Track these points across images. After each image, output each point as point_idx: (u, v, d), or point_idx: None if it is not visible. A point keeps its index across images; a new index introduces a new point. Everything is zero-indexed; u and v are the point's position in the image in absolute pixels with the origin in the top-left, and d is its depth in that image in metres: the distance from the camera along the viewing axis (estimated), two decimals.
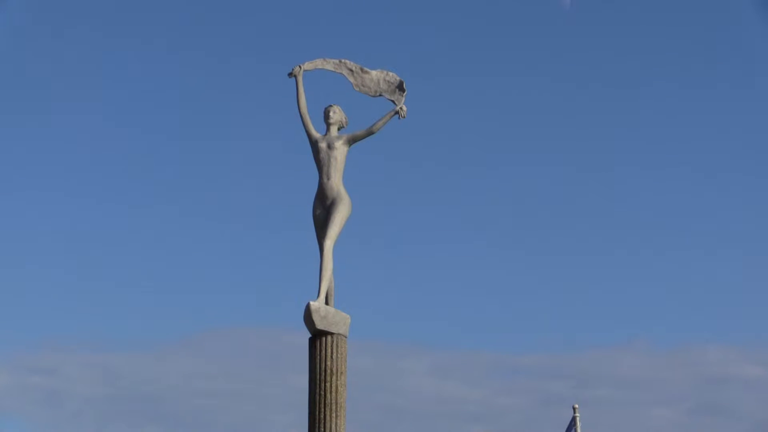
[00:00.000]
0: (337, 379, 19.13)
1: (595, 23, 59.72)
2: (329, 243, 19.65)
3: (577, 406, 21.22)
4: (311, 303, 19.13)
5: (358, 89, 20.65)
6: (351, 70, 20.68)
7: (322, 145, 20.10)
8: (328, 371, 19.18)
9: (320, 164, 20.06)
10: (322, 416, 19.05)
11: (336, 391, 19.11)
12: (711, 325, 56.38)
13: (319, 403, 19.13)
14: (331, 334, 19.27)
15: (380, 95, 20.58)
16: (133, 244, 59.05)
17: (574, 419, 21.35)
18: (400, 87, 20.41)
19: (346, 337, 19.51)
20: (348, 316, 19.63)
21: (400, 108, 20.24)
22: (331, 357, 19.25)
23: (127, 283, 58.01)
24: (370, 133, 20.21)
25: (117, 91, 60.28)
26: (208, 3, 59.19)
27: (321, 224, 19.81)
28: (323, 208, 19.91)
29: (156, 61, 60.93)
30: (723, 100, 59.13)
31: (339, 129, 20.42)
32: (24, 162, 59.26)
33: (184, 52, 60.71)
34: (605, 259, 57.62)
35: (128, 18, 59.97)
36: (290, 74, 20.52)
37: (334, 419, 19.06)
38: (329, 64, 20.72)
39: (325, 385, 19.15)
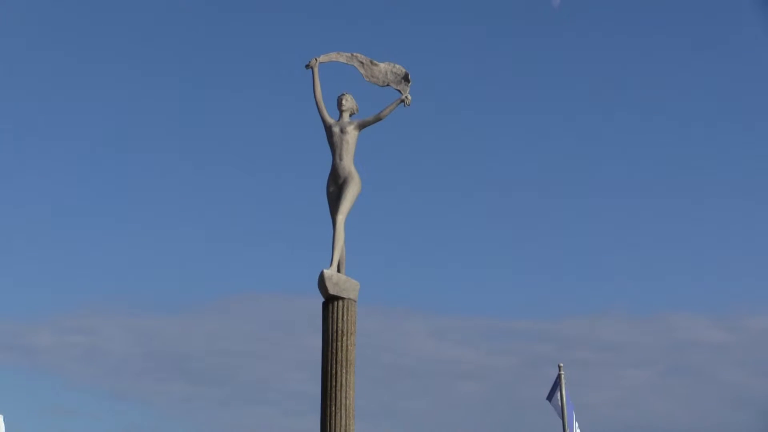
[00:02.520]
0: (347, 339, 19.84)
1: (584, 22, 61.55)
2: (341, 217, 20.31)
3: (562, 365, 21.53)
4: (325, 271, 19.92)
5: (368, 80, 21.30)
6: (362, 63, 21.33)
7: (335, 129, 20.77)
8: (339, 332, 19.87)
9: (333, 147, 20.70)
10: (333, 372, 19.77)
11: (346, 350, 19.81)
12: (682, 294, 58.42)
13: (331, 361, 19.84)
14: (342, 298, 19.98)
15: (388, 85, 21.24)
16: (163, 219, 61.51)
17: (559, 377, 21.57)
18: (406, 78, 21.11)
19: (355, 301, 20.17)
20: (357, 282, 20.27)
21: (405, 97, 20.96)
22: (342, 319, 19.93)
23: (159, 252, 60.44)
24: (378, 119, 20.86)
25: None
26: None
27: (334, 200, 20.47)
28: (336, 186, 20.56)
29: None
30: (711, 100, 61.04)
31: (350, 115, 21.07)
32: (62, 135, 61.41)
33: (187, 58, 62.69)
34: (586, 234, 60.12)
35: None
36: (307, 66, 21.15)
37: (344, 375, 19.76)
38: (342, 57, 21.36)
39: (336, 345, 19.85)
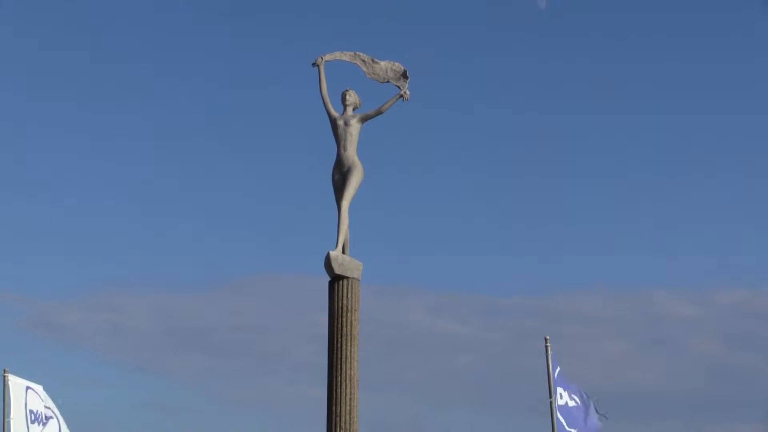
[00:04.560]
0: (351, 315, 20.38)
1: (570, 23, 63.22)
2: (345, 203, 20.87)
3: (548, 337, 22.02)
4: (331, 252, 20.46)
5: (369, 76, 21.78)
6: (364, 61, 21.80)
7: (340, 122, 21.28)
8: (344, 308, 20.41)
9: (338, 138, 21.18)
10: (339, 345, 20.34)
11: (351, 325, 20.35)
12: (658, 273, 60.48)
13: (337, 335, 20.38)
14: (347, 278, 20.52)
15: (388, 81, 21.71)
16: (185, 205, 63.45)
17: (546, 349, 22.06)
18: (404, 75, 21.61)
19: (359, 280, 20.70)
20: (361, 263, 20.80)
21: (404, 92, 21.48)
22: (347, 296, 20.47)
23: (180, 236, 62.34)
24: (379, 112, 21.38)
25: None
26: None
27: (339, 187, 20.99)
28: (341, 174, 21.05)
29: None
30: (693, 100, 62.88)
31: (354, 109, 21.58)
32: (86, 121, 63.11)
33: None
34: (570, 219, 62.03)
35: None
36: (314, 64, 21.60)
37: (349, 348, 20.32)
38: (346, 56, 21.83)
39: (342, 320, 20.39)
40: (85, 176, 63.85)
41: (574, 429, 22.26)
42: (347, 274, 20.67)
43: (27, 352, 55.32)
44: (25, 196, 62.64)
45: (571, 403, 22.30)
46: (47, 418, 23.02)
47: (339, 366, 20.30)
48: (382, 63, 21.82)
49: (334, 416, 20.18)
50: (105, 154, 63.75)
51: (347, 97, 21.68)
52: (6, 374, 22.31)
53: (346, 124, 21.37)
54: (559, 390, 22.19)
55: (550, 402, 21.94)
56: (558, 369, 22.31)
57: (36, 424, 22.61)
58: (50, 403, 23.30)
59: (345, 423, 20.12)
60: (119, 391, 56.28)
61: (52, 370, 52.95)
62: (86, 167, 63.92)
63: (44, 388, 23.16)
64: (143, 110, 64.35)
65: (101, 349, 60.66)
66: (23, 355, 53.28)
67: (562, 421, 22.35)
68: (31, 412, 22.59)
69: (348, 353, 20.35)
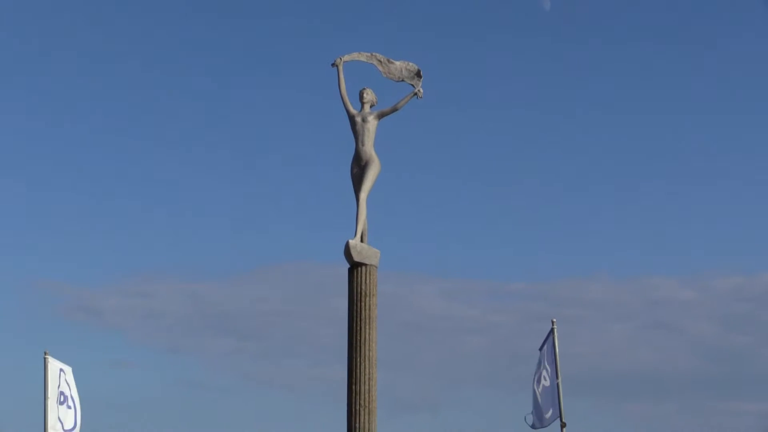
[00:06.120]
0: (369, 300, 20.88)
1: (575, 24, 64.64)
2: (363, 195, 21.34)
3: (555, 320, 22.35)
4: (350, 241, 20.95)
5: (385, 76, 22.17)
6: (380, 61, 22.16)
7: (358, 119, 21.67)
8: (363, 293, 20.89)
9: (356, 134, 21.59)
10: (358, 328, 20.85)
11: (369, 309, 20.85)
12: (656, 259, 62.29)
13: (356, 318, 20.88)
14: (365, 265, 21.00)
15: (402, 80, 22.08)
16: (213, 196, 65.19)
17: (552, 330, 22.37)
18: (418, 74, 21.95)
19: (376, 267, 21.18)
20: (378, 251, 21.23)
21: (418, 90, 21.86)
22: (365, 282, 20.96)
23: (209, 226, 64.09)
24: (394, 109, 21.82)
25: None
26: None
27: (357, 180, 21.43)
28: (359, 168, 21.48)
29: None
30: (702, 99, 64.28)
31: (371, 106, 21.98)
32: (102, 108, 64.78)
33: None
34: (575, 209, 63.53)
35: None
36: (333, 64, 21.99)
37: (367, 330, 20.85)
38: (363, 56, 22.20)
39: (360, 305, 20.88)
40: (122, 171, 65.85)
41: (550, 411, 22.44)
42: (365, 261, 21.13)
43: (67, 336, 57.60)
44: (65, 190, 64.80)
45: (546, 384, 22.58)
46: (72, 401, 23.86)
47: (358, 347, 20.82)
48: (397, 63, 22.20)
49: (354, 395, 20.71)
50: (139, 147, 65.54)
51: (364, 95, 22.13)
52: (46, 356, 23.32)
53: (364, 120, 21.81)
54: (543, 372, 22.62)
55: (557, 383, 22.38)
56: (548, 349, 22.74)
57: (63, 406, 23.43)
58: (73, 388, 24.02)
59: (364, 401, 20.67)
60: (151, 371, 58.61)
61: (89, 351, 55.06)
62: (123, 162, 65.84)
63: (80, 370, 24.07)
64: (178, 101, 66.20)
65: (135, 331, 62.93)
66: (63, 338, 55.89)
67: (539, 401, 23.00)
68: (62, 393, 23.51)
69: (367, 335, 20.86)
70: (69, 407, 23.46)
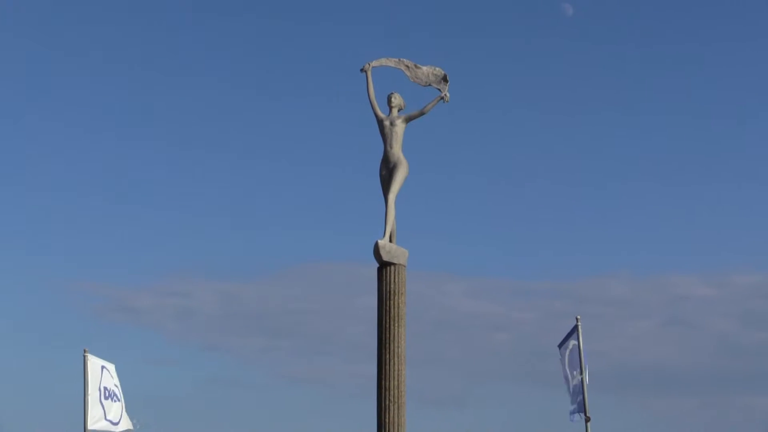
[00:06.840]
0: (398, 298, 21.13)
1: (597, 30, 65.30)
2: (392, 196, 21.60)
3: (579, 317, 22.58)
4: (379, 241, 21.30)
5: (412, 80, 22.41)
6: (407, 66, 22.42)
7: (386, 122, 21.98)
8: (392, 292, 21.15)
9: (385, 137, 21.90)
10: (387, 326, 21.15)
11: (398, 307, 21.11)
12: (677, 258, 63.56)
13: (385, 316, 21.16)
14: (394, 264, 21.28)
15: (429, 85, 22.32)
16: (246, 200, 66.74)
17: (576, 327, 22.58)
18: (445, 78, 22.20)
19: (405, 266, 21.43)
20: (406, 250, 21.52)
21: (445, 95, 22.13)
22: (394, 281, 21.21)
23: (242, 228, 65.65)
24: (421, 113, 22.07)
25: None
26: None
27: (386, 182, 21.73)
28: (387, 170, 21.77)
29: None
30: (714, 102, 64.85)
31: (399, 110, 22.25)
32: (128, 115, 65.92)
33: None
34: (598, 211, 64.60)
35: None
36: (362, 70, 22.28)
37: (396, 328, 21.12)
38: (391, 62, 22.43)
39: (389, 303, 21.14)
40: (161, 174, 67.24)
41: (575, 405, 22.84)
42: (394, 260, 21.44)
43: (105, 334, 59.05)
44: (103, 195, 66.18)
45: (574, 382, 22.91)
46: (117, 396, 24.71)
47: (388, 344, 21.12)
48: (424, 68, 22.45)
49: (383, 390, 21.01)
50: (177, 150, 66.86)
51: (392, 99, 22.43)
52: (86, 354, 24.06)
53: (392, 124, 22.14)
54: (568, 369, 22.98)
55: (581, 378, 22.76)
56: (572, 345, 23.08)
57: (109, 400, 24.28)
58: (117, 383, 24.90)
59: (393, 396, 20.92)
60: (187, 368, 60.04)
61: (127, 349, 56.30)
62: (161, 165, 67.16)
63: (118, 367, 24.87)
64: (212, 107, 67.42)
65: (171, 330, 64.47)
66: (102, 336, 57.20)
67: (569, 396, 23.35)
68: (105, 389, 24.25)
69: (396, 333, 21.14)
70: (114, 400, 24.24)
